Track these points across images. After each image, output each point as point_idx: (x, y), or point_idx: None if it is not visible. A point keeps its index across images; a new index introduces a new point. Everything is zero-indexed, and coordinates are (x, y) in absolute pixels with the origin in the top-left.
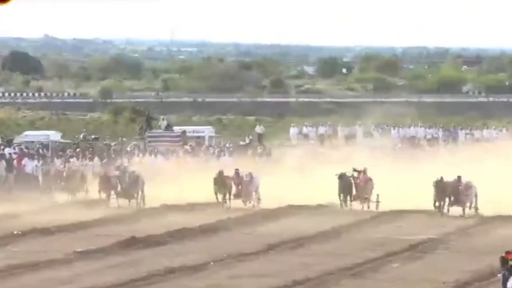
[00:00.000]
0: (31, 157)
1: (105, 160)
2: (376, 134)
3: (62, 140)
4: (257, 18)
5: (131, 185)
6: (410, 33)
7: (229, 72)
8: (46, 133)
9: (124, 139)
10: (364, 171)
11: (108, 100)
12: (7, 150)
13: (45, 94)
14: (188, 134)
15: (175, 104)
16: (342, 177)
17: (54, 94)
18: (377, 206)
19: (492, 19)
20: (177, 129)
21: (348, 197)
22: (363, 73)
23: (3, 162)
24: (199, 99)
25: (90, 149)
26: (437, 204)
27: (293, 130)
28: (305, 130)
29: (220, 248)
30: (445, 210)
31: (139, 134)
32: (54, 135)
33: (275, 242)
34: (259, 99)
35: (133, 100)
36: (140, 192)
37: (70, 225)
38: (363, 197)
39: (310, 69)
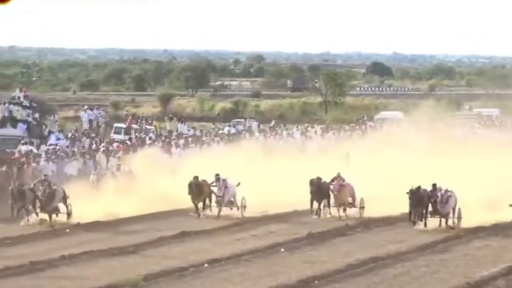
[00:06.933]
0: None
1: None
2: None
3: (403, 117)
4: None
5: (47, 200)
6: None
7: (510, 74)
8: (394, 113)
9: None
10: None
11: (432, 93)
12: (370, 124)
13: (393, 89)
14: (482, 113)
15: (474, 95)
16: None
17: (399, 89)
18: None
19: None
20: (476, 110)
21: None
22: None
23: None
24: (490, 92)
25: None
26: None
27: None
28: None
29: None
30: None
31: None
32: (398, 114)
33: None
34: None
35: (451, 92)
36: (59, 207)
37: None
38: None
39: None
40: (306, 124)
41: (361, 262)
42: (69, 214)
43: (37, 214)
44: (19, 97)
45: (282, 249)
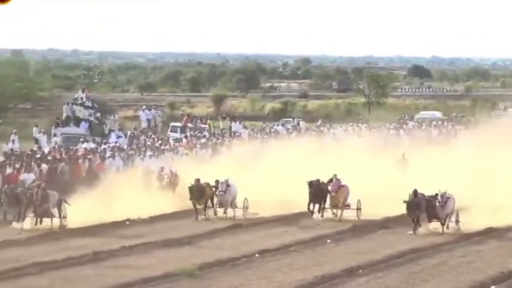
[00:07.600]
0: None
1: None
2: None
3: (442, 117)
4: None
5: (41, 203)
6: None
7: None
8: (433, 112)
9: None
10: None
11: (469, 94)
12: (410, 124)
13: (432, 90)
14: None
15: (509, 96)
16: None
17: (437, 89)
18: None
19: None
20: (510, 110)
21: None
22: None
23: None
24: None
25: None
26: None
27: None
28: None
29: None
30: None
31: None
32: (437, 114)
33: None
34: None
35: (487, 93)
36: (55, 211)
37: None
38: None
39: None
40: (351, 123)
41: (402, 253)
42: (64, 218)
43: (37, 218)
44: (81, 98)
45: (328, 241)
